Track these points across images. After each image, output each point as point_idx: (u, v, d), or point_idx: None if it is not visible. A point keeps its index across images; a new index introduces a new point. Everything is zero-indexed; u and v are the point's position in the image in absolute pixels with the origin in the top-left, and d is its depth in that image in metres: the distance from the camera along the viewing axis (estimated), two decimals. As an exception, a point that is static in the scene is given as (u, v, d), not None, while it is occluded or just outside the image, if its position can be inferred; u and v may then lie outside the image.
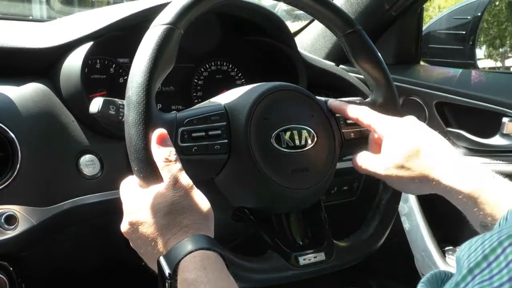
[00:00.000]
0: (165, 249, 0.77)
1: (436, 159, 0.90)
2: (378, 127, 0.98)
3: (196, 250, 0.74)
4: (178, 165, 0.81)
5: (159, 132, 0.82)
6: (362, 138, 1.05)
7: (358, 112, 1.01)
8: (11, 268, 1.10)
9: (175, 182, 0.80)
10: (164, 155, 0.81)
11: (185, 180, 0.80)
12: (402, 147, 0.92)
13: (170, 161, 0.80)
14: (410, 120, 0.97)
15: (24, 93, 1.12)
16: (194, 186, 0.81)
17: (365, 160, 0.99)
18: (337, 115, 1.04)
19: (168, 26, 0.85)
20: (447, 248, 1.58)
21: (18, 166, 1.04)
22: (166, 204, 0.79)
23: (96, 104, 0.91)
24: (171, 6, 0.88)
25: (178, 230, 0.77)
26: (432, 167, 0.89)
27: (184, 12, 0.87)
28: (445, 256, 1.55)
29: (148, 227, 0.79)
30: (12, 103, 1.08)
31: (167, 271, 0.74)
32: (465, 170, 0.87)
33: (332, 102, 1.04)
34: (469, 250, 0.49)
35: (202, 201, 0.81)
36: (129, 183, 0.87)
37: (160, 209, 0.79)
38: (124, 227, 0.84)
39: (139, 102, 0.81)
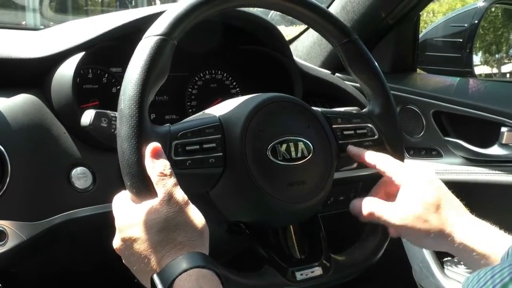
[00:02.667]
0: (159, 266, 0.75)
1: (454, 216, 0.89)
2: (397, 175, 0.95)
3: (191, 268, 0.72)
4: (173, 179, 0.79)
5: (152, 146, 0.80)
6: None
7: (376, 158, 0.99)
8: (0, 284, 1.08)
9: (170, 197, 0.78)
10: (158, 169, 0.79)
11: (180, 195, 0.79)
12: (423, 198, 0.90)
13: (165, 175, 0.79)
14: (430, 175, 0.95)
15: (14, 104, 1.10)
16: (189, 201, 0.79)
17: (376, 207, 0.95)
18: (334, 126, 1.02)
19: (161, 37, 0.84)
20: (445, 259, 1.56)
21: (7, 179, 1.02)
22: (160, 220, 0.77)
23: (87, 117, 0.89)
24: (164, 17, 0.87)
25: (173, 247, 0.76)
26: (450, 224, 0.88)
27: (178, 22, 0.85)
28: (443, 268, 1.54)
29: (141, 244, 0.77)
30: (1, 115, 1.06)
31: None
32: (482, 231, 0.87)
33: (352, 149, 1.02)
34: (478, 282, 0.48)
35: (197, 217, 0.79)
36: (122, 198, 0.84)
37: (153, 225, 0.77)
38: (116, 243, 0.82)
39: (131, 115, 0.80)
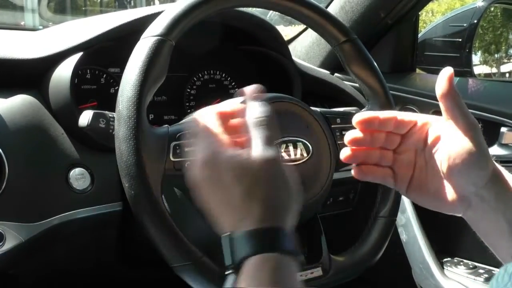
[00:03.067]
0: (237, 227, 0.67)
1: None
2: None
3: (271, 251, 0.65)
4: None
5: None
6: None
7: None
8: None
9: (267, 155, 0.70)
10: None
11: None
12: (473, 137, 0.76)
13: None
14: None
15: (12, 105, 1.09)
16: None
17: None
18: (333, 126, 1.02)
19: (159, 37, 0.84)
20: (445, 259, 1.56)
21: (5, 181, 1.01)
22: (260, 174, 0.69)
23: (85, 117, 0.89)
24: (162, 17, 0.86)
25: (264, 209, 0.68)
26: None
27: (176, 23, 0.85)
28: (443, 268, 1.53)
29: (230, 189, 0.69)
30: (-1, 116, 1.06)
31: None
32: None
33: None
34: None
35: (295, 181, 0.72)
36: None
37: (252, 175, 0.69)
38: (200, 175, 0.72)
39: (129, 116, 0.79)
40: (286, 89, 1.37)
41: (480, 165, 0.76)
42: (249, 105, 0.75)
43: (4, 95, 1.11)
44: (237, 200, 0.68)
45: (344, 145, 1.01)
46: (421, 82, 1.74)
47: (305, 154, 0.93)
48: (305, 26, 1.83)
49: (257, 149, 0.70)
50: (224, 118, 0.76)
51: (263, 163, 0.69)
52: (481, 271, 1.50)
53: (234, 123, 0.76)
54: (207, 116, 0.75)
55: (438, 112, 1.57)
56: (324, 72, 1.65)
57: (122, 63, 0.87)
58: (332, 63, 1.74)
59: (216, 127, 0.74)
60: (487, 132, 1.46)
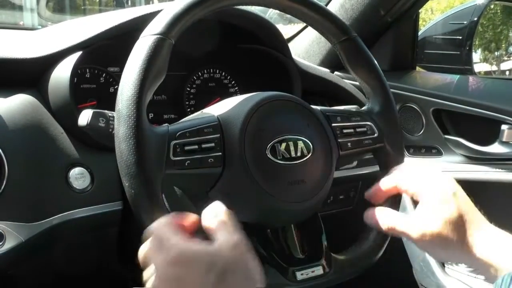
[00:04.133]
0: None
1: (473, 229, 0.86)
2: (416, 191, 0.92)
3: None
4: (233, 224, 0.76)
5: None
6: (359, 148, 1.03)
7: (391, 181, 0.96)
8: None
9: (232, 242, 0.72)
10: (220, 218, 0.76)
11: (242, 241, 0.74)
12: (445, 216, 0.87)
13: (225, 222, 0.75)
14: (450, 185, 0.91)
15: (11, 105, 1.09)
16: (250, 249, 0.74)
17: (397, 222, 0.92)
18: (333, 124, 1.02)
19: (158, 36, 0.83)
20: (446, 258, 1.56)
21: (4, 180, 1.01)
22: (219, 264, 0.69)
23: (85, 117, 0.89)
24: (161, 15, 0.86)
25: None
26: (468, 237, 0.86)
27: (175, 21, 0.85)
28: (444, 267, 1.53)
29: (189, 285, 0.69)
30: (-1, 116, 1.06)
31: None
32: (497, 241, 0.85)
33: (368, 193, 1.00)
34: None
35: (256, 268, 0.73)
36: (163, 227, 0.75)
37: (211, 267, 0.69)
38: (150, 277, 0.74)
39: (129, 115, 0.79)
40: (286, 87, 1.37)
41: None
42: (204, 213, 0.77)
43: (3, 95, 1.11)
44: None
45: (344, 144, 1.02)
46: (421, 80, 1.74)
47: (305, 153, 0.93)
48: (305, 24, 1.82)
49: (223, 238, 0.72)
50: (182, 228, 0.76)
51: (231, 250, 0.71)
52: (482, 269, 1.50)
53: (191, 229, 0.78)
54: (165, 227, 0.75)
55: (438, 110, 1.58)
56: (324, 71, 1.65)
57: (121, 62, 0.87)
58: (332, 61, 1.74)
59: (175, 233, 0.73)
60: (488, 130, 1.47)
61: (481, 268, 0.86)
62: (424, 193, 0.90)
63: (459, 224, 0.86)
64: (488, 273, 0.85)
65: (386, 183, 0.96)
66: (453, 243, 0.86)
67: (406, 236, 0.91)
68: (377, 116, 1.04)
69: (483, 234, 0.86)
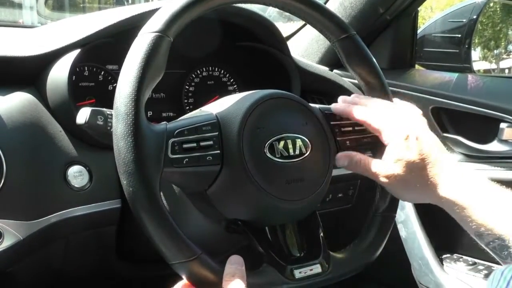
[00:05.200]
0: None
1: (435, 171, 0.90)
2: (383, 133, 0.95)
3: None
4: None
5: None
6: (358, 146, 1.03)
7: (364, 114, 0.98)
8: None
9: None
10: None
11: None
12: (403, 159, 0.91)
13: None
14: (412, 126, 0.94)
15: (9, 103, 1.09)
16: None
17: (362, 162, 0.97)
18: (332, 123, 1.02)
19: (157, 34, 0.83)
20: (444, 256, 1.56)
21: (3, 179, 1.01)
22: None
23: (83, 115, 0.89)
24: (160, 13, 0.86)
25: None
26: (431, 179, 0.90)
27: (174, 19, 0.85)
28: (442, 264, 1.53)
29: None
30: (-3, 114, 1.06)
31: None
32: (460, 180, 0.89)
33: (337, 106, 1.02)
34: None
35: None
36: None
37: None
38: None
39: (127, 113, 0.79)
40: (285, 85, 1.37)
41: None
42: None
43: (1, 92, 1.11)
44: None
45: (343, 142, 1.02)
46: (420, 78, 1.74)
47: (304, 151, 0.93)
48: (304, 23, 1.82)
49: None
50: None
51: None
52: (480, 267, 1.50)
53: None
54: None
55: (437, 108, 1.58)
56: (323, 69, 1.65)
57: (120, 60, 0.86)
58: (331, 59, 1.74)
59: None
60: (487, 128, 1.47)
61: (446, 207, 0.90)
62: (385, 134, 0.94)
63: (420, 167, 0.90)
64: (453, 213, 0.89)
65: (358, 112, 0.98)
66: (416, 185, 0.91)
67: (374, 179, 0.96)
68: None
69: (447, 174, 0.89)
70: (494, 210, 0.85)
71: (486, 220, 0.85)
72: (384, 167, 0.94)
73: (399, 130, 0.94)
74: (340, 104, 1.02)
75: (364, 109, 0.98)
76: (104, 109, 0.90)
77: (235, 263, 0.84)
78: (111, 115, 0.86)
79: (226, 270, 0.83)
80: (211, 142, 0.87)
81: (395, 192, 0.98)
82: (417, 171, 0.91)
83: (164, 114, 1.38)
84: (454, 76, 1.65)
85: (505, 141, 1.43)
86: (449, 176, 0.90)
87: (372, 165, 0.95)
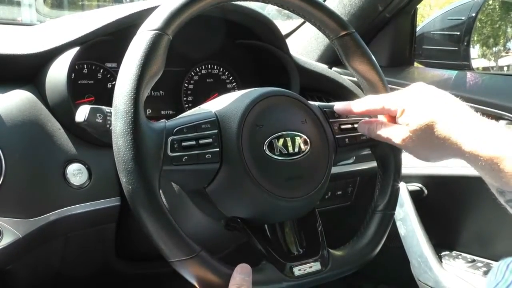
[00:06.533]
0: None
1: (453, 127, 0.87)
2: (387, 106, 0.96)
3: None
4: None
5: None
6: (357, 144, 1.03)
7: (364, 105, 0.99)
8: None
9: None
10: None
11: None
12: (416, 122, 0.90)
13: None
14: (422, 92, 0.94)
15: (9, 101, 1.09)
16: None
17: (378, 127, 0.98)
18: (331, 120, 1.02)
19: (156, 32, 0.83)
20: (443, 253, 1.56)
21: (2, 177, 1.01)
22: None
23: (82, 113, 0.89)
24: (159, 11, 0.86)
25: None
26: (450, 136, 0.87)
27: (173, 17, 0.84)
28: (441, 262, 1.53)
29: None
30: (-4, 112, 1.05)
31: None
32: (486, 135, 0.85)
33: (338, 106, 1.03)
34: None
35: None
36: None
37: None
38: None
39: (126, 111, 0.79)
40: (284, 83, 1.37)
41: None
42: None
43: (0, 91, 1.11)
44: None
45: (342, 139, 1.02)
46: (419, 75, 1.74)
47: (303, 149, 0.93)
48: (303, 20, 1.82)
49: None
50: None
51: None
52: (479, 264, 1.50)
53: None
54: None
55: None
56: (322, 66, 1.65)
57: (119, 58, 0.86)
58: (330, 57, 1.74)
59: None
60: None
61: (470, 162, 0.88)
62: (389, 104, 0.95)
63: (438, 126, 0.88)
64: (477, 167, 0.86)
65: (359, 106, 1.01)
66: (437, 144, 0.89)
67: (391, 143, 0.96)
68: None
69: (470, 127, 0.87)
70: None
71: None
72: (398, 131, 0.94)
73: (403, 97, 0.95)
74: (341, 102, 1.02)
75: (363, 100, 1.00)
76: (103, 107, 0.90)
77: (242, 273, 0.85)
78: (110, 113, 0.86)
79: (232, 280, 0.83)
80: (210, 140, 0.87)
81: (415, 154, 0.96)
82: (434, 129, 0.89)
83: (163, 112, 1.38)
84: (453, 73, 1.64)
85: (504, 139, 1.43)
86: (474, 129, 0.86)
87: (387, 130, 0.96)
